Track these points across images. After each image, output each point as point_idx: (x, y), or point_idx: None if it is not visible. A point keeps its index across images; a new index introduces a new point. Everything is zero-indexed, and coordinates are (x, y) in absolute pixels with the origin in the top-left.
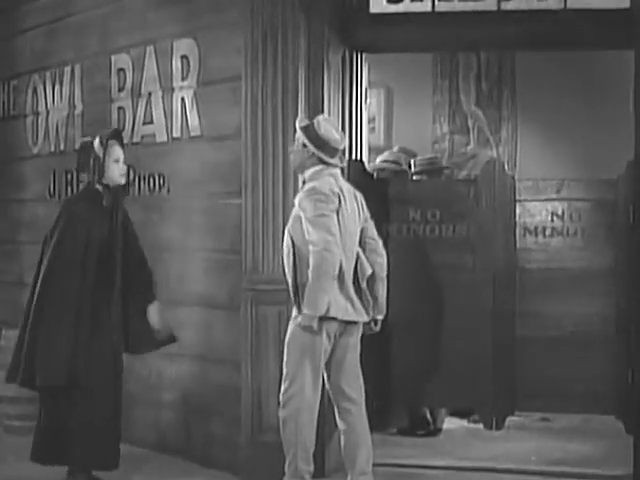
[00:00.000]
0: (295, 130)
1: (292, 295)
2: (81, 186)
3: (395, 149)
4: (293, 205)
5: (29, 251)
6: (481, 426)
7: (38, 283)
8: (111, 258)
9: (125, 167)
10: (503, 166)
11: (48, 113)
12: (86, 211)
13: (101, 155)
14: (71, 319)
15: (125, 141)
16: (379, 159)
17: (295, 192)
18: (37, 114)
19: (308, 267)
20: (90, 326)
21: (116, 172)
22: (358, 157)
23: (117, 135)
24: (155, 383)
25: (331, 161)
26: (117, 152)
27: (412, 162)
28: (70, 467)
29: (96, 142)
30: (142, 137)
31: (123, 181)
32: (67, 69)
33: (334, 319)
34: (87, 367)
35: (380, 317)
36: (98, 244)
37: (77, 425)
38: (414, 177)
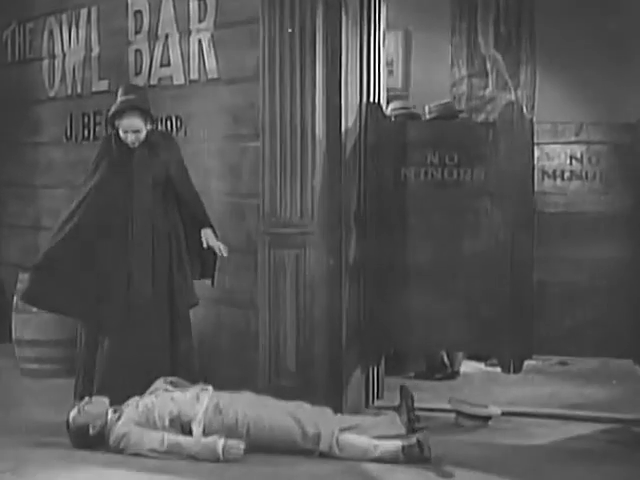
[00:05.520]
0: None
1: None
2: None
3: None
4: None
5: (45, 195)
6: (499, 370)
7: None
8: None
9: (134, 136)
10: (521, 109)
11: (64, 56)
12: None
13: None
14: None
15: (142, 83)
16: (389, 109)
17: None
18: (53, 57)
19: None
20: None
21: (127, 139)
22: (376, 100)
23: (147, 116)
24: None
25: None
26: (126, 125)
27: (427, 108)
28: None
29: (109, 114)
30: (159, 79)
31: (132, 147)
32: (83, 11)
33: None
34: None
35: None
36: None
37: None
38: None
